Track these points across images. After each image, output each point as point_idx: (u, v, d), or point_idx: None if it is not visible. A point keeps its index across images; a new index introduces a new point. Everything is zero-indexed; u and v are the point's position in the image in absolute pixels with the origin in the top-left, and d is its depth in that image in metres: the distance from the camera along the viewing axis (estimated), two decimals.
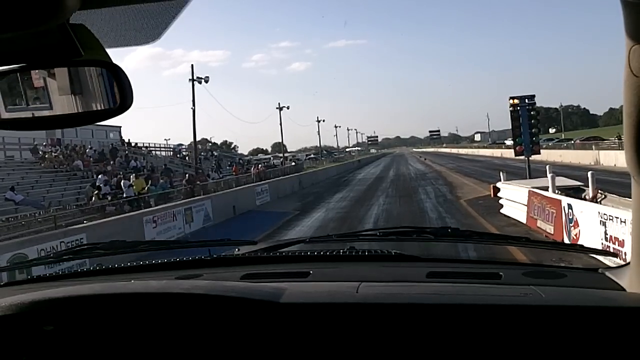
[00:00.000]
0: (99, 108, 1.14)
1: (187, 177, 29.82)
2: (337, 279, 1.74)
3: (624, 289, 1.52)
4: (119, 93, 1.12)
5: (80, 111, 1.13)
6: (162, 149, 49.90)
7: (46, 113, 1.13)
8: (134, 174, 27.61)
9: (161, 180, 28.37)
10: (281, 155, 72.73)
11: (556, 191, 14.53)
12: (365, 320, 1.38)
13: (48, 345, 1.41)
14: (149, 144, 48.31)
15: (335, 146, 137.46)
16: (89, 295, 1.45)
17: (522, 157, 23.88)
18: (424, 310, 1.39)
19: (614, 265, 1.73)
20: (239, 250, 2.29)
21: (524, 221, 15.77)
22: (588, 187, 14.19)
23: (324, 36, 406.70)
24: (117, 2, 1.02)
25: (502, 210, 18.31)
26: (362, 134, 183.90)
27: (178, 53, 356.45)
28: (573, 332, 1.31)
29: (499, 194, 20.06)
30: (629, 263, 1.51)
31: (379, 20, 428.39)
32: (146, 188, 25.06)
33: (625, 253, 1.87)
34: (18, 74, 1.12)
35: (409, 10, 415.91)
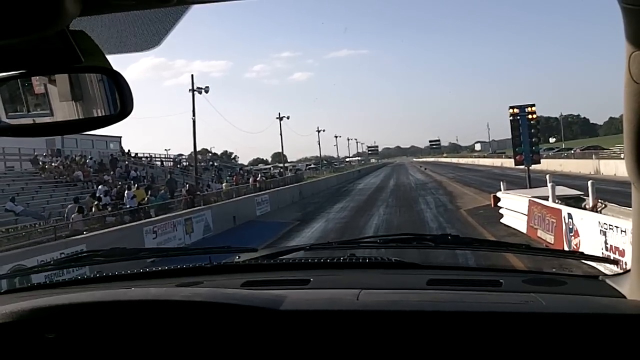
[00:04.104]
0: (100, 114, 1.14)
1: (187, 187, 29.79)
2: (338, 287, 1.73)
3: (624, 297, 1.51)
4: (120, 99, 1.12)
5: (81, 117, 1.14)
6: (162, 159, 49.89)
7: (47, 119, 1.13)
8: (135, 185, 27.60)
9: (161, 191, 28.34)
10: (281, 165, 72.75)
11: (556, 201, 14.52)
12: (366, 328, 1.37)
13: (50, 352, 1.41)
14: (150, 154, 48.35)
15: (335, 156, 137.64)
16: (89, 302, 1.45)
17: (522, 167, 23.92)
18: (425, 317, 1.39)
19: (614, 273, 1.73)
20: (239, 257, 2.28)
21: (524, 231, 15.77)
22: (588, 196, 14.18)
23: (326, 46, 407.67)
24: (117, 8, 1.02)
25: (502, 220, 18.31)
26: (362, 143, 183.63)
27: (180, 63, 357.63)
28: (574, 340, 1.31)
29: (499, 204, 20.06)
30: (629, 270, 1.51)
31: (381, 30, 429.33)
32: (146, 198, 25.04)
33: (625, 263, 1.87)
34: (19, 81, 1.13)
35: (410, 20, 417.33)
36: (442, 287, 1.67)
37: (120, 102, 1.12)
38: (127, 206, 23.80)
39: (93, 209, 22.20)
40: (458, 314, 1.39)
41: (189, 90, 38.99)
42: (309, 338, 1.38)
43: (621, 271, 1.67)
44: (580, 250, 10.67)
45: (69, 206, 21.06)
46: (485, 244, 2.48)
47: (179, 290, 1.64)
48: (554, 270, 1.97)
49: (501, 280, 1.70)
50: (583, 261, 2.92)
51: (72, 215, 19.78)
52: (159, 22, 1.16)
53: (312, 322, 1.40)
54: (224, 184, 38.20)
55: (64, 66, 1.08)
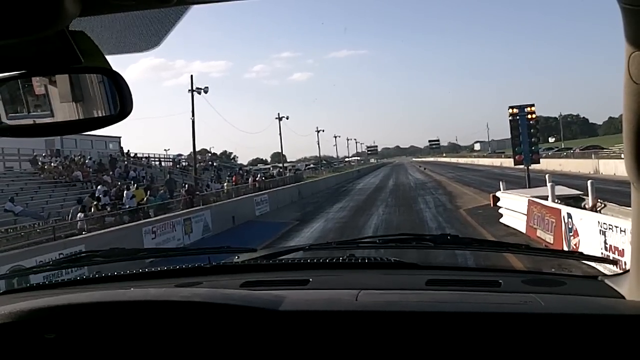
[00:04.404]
0: (100, 115, 1.15)
1: (186, 188, 29.78)
2: (337, 287, 1.73)
3: (623, 297, 1.51)
4: (119, 100, 1.12)
5: (80, 118, 1.14)
6: (161, 159, 49.85)
7: (47, 120, 1.14)
8: (134, 185, 27.60)
9: (160, 191, 28.33)
10: (281, 165, 72.74)
11: (556, 200, 14.52)
12: (365, 328, 1.37)
13: (50, 353, 1.41)
14: (149, 154, 48.30)
15: (334, 156, 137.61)
16: (88, 303, 1.45)
17: (521, 167, 23.95)
18: (424, 318, 1.39)
19: (613, 273, 1.73)
20: (238, 257, 2.28)
21: (524, 230, 15.77)
22: (588, 196, 14.18)
23: (326, 46, 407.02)
24: (116, 8, 1.02)
25: (501, 220, 18.31)
26: (361, 143, 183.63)
27: (180, 64, 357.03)
28: (573, 340, 1.31)
29: (498, 204, 20.05)
30: (628, 270, 1.51)
31: (380, 30, 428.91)
32: (145, 199, 25.04)
33: (625, 263, 1.87)
34: (19, 82, 1.13)
35: (409, 20, 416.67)
36: (442, 288, 1.67)
37: (119, 103, 1.13)
38: (126, 206, 23.80)
39: (92, 209, 22.23)
40: (457, 314, 1.39)
41: (188, 90, 39.08)
42: (308, 338, 1.38)
43: (620, 271, 1.67)
44: (579, 250, 10.66)
45: (74, 207, 22.09)
46: (485, 244, 2.48)
47: (178, 291, 1.64)
48: (553, 270, 1.97)
49: (500, 281, 1.70)
50: (582, 261, 2.93)
51: (78, 215, 20.66)
52: (159, 22, 1.16)
53: (311, 323, 1.40)
54: (225, 184, 38.34)
55: (64, 67, 1.08)
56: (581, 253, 2.94)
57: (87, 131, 1.23)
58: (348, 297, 1.51)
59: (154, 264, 2.41)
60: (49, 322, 1.41)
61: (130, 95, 1.13)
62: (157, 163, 46.98)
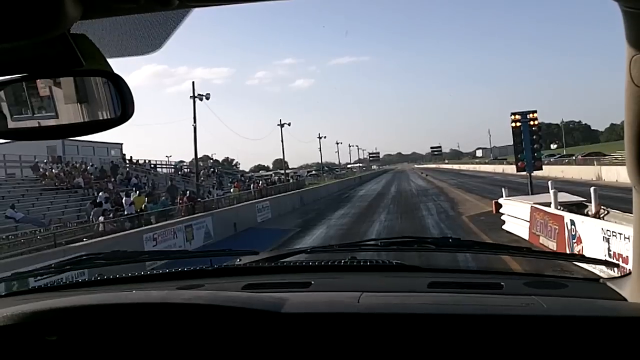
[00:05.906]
0: (102, 117, 1.15)
1: (187, 194, 29.77)
2: (339, 289, 1.74)
3: (625, 299, 1.51)
4: (121, 103, 1.13)
5: (85, 120, 1.14)
6: (163, 165, 49.90)
7: (52, 122, 1.14)
8: (136, 191, 27.62)
9: (162, 197, 28.32)
10: (282, 171, 72.75)
11: (559, 207, 14.49)
12: (367, 330, 1.37)
13: (51, 355, 1.41)
14: (150, 161, 48.38)
15: (336, 162, 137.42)
16: (90, 305, 1.45)
17: (523, 173, 23.91)
18: (426, 320, 1.39)
19: (615, 276, 1.73)
20: (240, 260, 2.28)
21: (527, 237, 15.72)
22: (590, 202, 14.14)
23: (328, 53, 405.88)
24: (118, 12, 1.03)
25: (504, 227, 18.26)
26: (363, 150, 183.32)
27: (182, 70, 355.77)
28: (575, 342, 1.31)
29: (501, 210, 20.01)
30: (630, 273, 1.51)
31: (383, 37, 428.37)
32: (144, 205, 25.01)
33: (629, 270, 1.88)
34: (24, 84, 1.13)
35: (411, 27, 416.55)
36: (443, 290, 1.68)
37: (121, 105, 1.13)
38: (125, 213, 23.82)
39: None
40: (459, 316, 1.39)
41: (190, 97, 39.07)
42: (310, 341, 1.38)
43: (622, 274, 1.67)
44: None
45: (95, 209, 23.40)
46: (486, 247, 2.47)
47: (180, 293, 1.64)
48: (554, 273, 1.97)
49: (502, 283, 1.70)
50: (584, 264, 2.93)
51: (100, 218, 21.82)
52: (160, 25, 1.16)
53: (313, 325, 1.40)
54: (232, 189, 38.78)
55: (65, 70, 1.09)
56: (582, 255, 2.94)
57: (89, 134, 1.23)
58: (350, 299, 1.52)
59: (156, 266, 2.41)
60: (50, 324, 1.41)
61: (132, 97, 1.14)
62: (160, 169, 47.00)
